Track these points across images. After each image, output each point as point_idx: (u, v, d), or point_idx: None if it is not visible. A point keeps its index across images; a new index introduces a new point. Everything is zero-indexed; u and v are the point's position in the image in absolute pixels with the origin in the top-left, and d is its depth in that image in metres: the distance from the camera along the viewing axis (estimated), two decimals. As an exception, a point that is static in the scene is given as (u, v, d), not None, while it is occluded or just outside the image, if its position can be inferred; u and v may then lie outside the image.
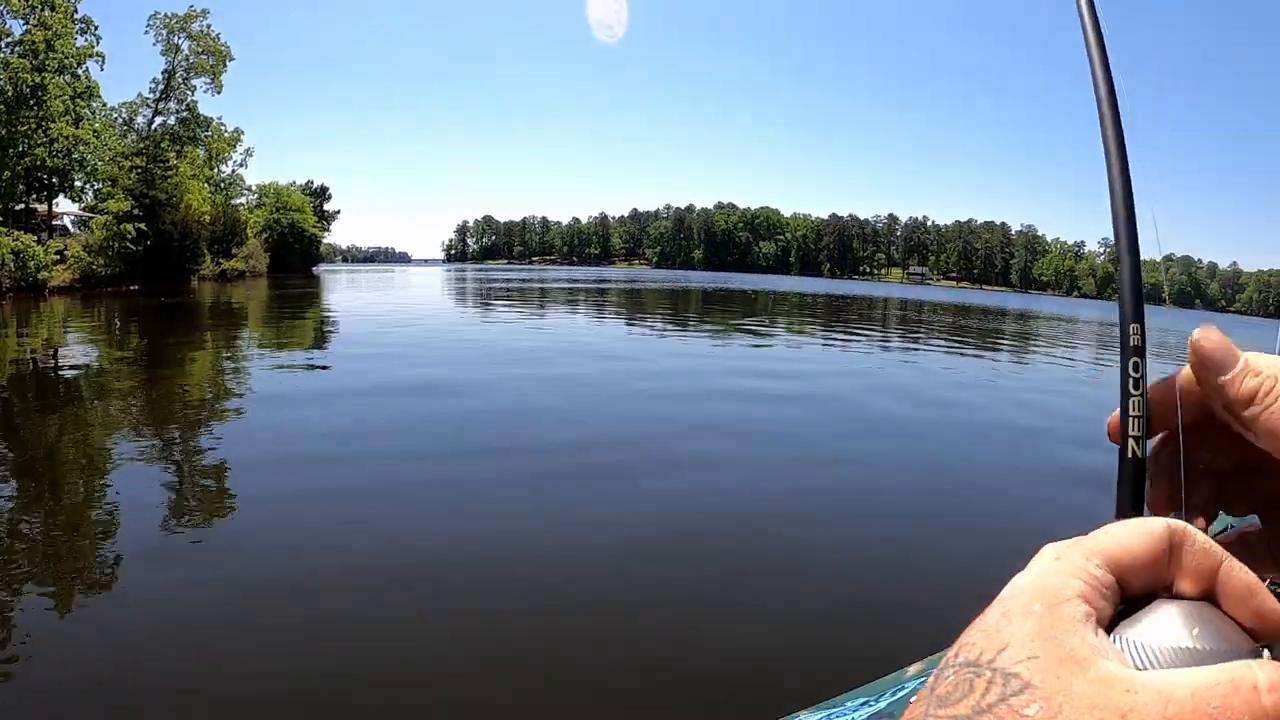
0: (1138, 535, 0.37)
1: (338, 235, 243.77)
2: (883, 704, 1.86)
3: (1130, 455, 0.45)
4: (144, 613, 4.27)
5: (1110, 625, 0.36)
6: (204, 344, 17.65)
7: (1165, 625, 0.35)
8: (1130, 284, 0.52)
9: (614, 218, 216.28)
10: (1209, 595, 0.37)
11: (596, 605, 4.59)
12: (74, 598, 4.49)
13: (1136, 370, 0.47)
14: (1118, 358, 0.44)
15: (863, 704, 1.87)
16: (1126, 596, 0.37)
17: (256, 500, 6.17)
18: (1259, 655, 0.35)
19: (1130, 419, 0.45)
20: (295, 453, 7.57)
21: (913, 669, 2.09)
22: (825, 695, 1.91)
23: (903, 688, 1.95)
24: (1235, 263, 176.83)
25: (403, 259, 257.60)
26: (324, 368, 13.99)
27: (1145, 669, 0.33)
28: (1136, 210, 0.58)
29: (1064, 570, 0.36)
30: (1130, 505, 0.45)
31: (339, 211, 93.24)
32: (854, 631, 4.43)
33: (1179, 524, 0.38)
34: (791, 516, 6.25)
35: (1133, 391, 0.47)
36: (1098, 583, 0.36)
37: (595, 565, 5.12)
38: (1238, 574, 0.37)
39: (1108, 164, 0.62)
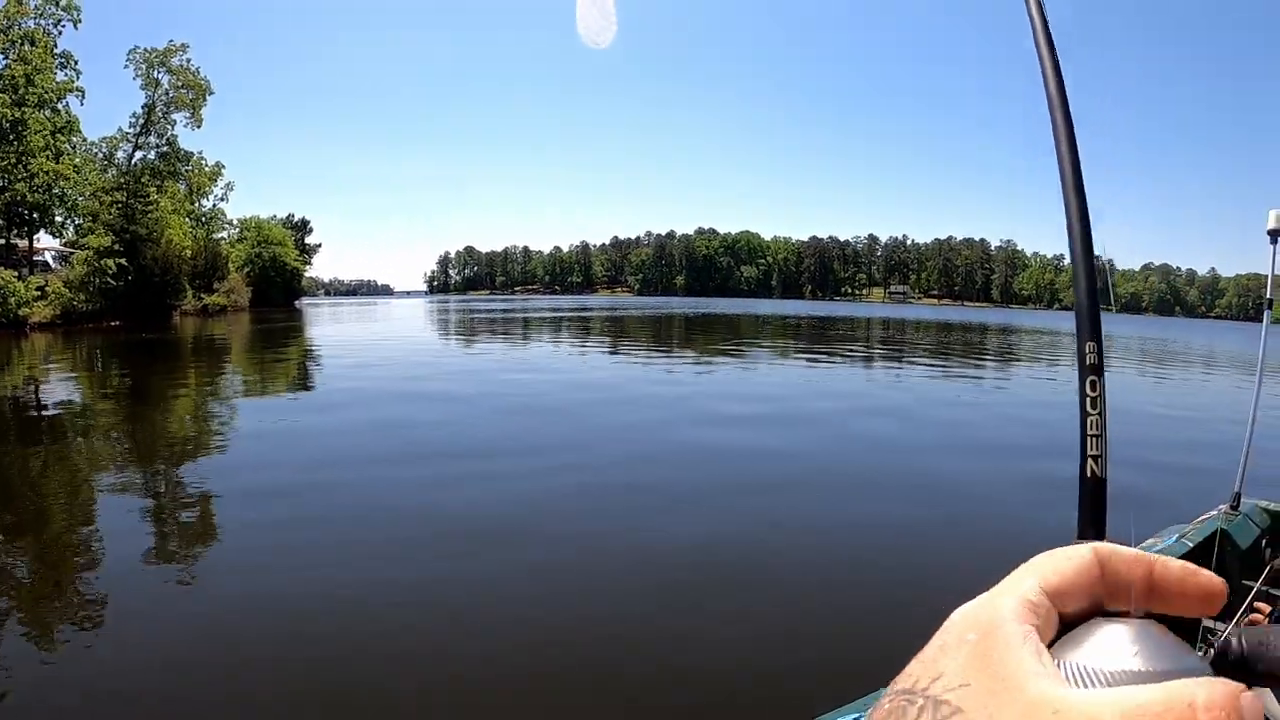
0: (1067, 560, 0.38)
1: (320, 268, 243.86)
2: None
3: (1089, 475, 0.45)
4: (127, 642, 4.28)
5: (1052, 649, 0.35)
6: (186, 381, 17.47)
7: (1102, 645, 0.35)
8: (1086, 304, 0.51)
9: (595, 246, 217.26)
10: (1151, 604, 0.36)
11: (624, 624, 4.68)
12: (55, 629, 4.49)
13: (1094, 389, 0.46)
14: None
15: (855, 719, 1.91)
16: (1066, 620, 0.37)
17: (237, 532, 6.22)
18: (1204, 672, 0.34)
19: (1089, 438, 0.45)
20: (278, 485, 7.57)
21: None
22: (817, 710, 1.92)
23: None
24: (1214, 268, 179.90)
25: (385, 291, 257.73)
26: (307, 402, 13.93)
27: (1086, 689, 0.33)
28: (1093, 232, 0.58)
29: (1001, 599, 0.36)
30: (1090, 524, 0.45)
31: (320, 245, 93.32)
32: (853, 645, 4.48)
33: (1104, 545, 0.39)
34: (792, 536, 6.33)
35: (1090, 410, 0.46)
36: (1033, 608, 0.36)
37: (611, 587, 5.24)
38: (1172, 567, 0.37)
39: (1063, 187, 0.64)
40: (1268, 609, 2.79)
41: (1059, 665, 0.34)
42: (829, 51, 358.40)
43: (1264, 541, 3.98)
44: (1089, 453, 0.46)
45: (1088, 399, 0.48)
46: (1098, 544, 0.39)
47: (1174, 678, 0.32)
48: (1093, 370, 0.50)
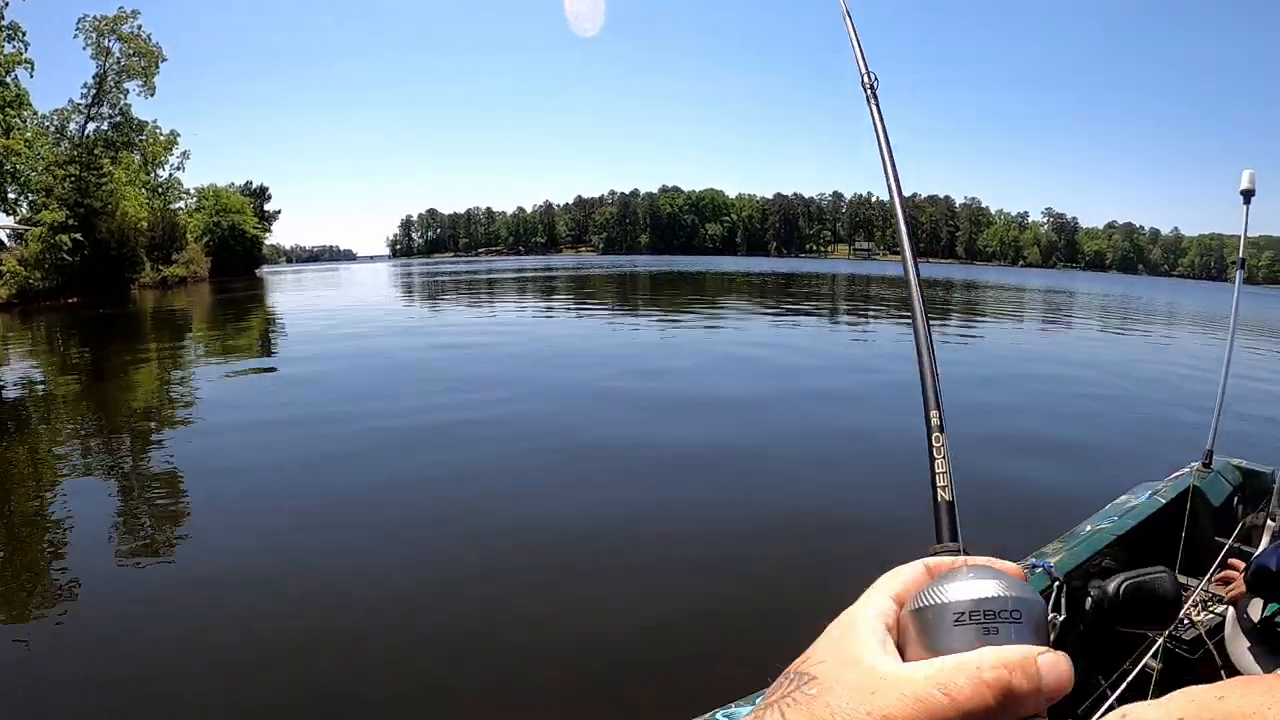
0: (907, 571, 0.51)
1: (281, 235, 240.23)
2: None
3: (940, 500, 0.57)
4: (99, 626, 4.41)
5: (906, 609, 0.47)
6: (146, 355, 17.68)
7: (944, 592, 0.46)
8: (930, 379, 0.63)
9: (559, 205, 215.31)
10: None
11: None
12: (27, 613, 4.66)
13: (939, 442, 0.59)
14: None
15: None
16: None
17: (209, 508, 6.47)
18: (1032, 597, 0.45)
19: (937, 475, 0.57)
20: (249, 459, 7.88)
21: None
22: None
23: None
24: (1177, 228, 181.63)
25: (348, 256, 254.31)
26: (270, 370, 14.44)
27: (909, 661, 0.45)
28: (931, 324, 0.69)
29: (861, 604, 0.49)
30: (949, 533, 0.57)
31: (280, 211, 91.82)
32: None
33: (932, 558, 0.52)
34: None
35: (937, 456, 0.59)
36: (881, 609, 0.48)
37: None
38: (981, 558, 0.50)
39: (905, 271, 0.77)
40: (1241, 565, 2.84)
41: (914, 606, 0.47)
42: (793, 6, 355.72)
43: (1236, 499, 4.04)
44: (938, 485, 0.57)
45: (935, 448, 0.59)
46: (929, 560, 0.52)
47: (1001, 616, 0.44)
48: (937, 429, 0.61)
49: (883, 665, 0.44)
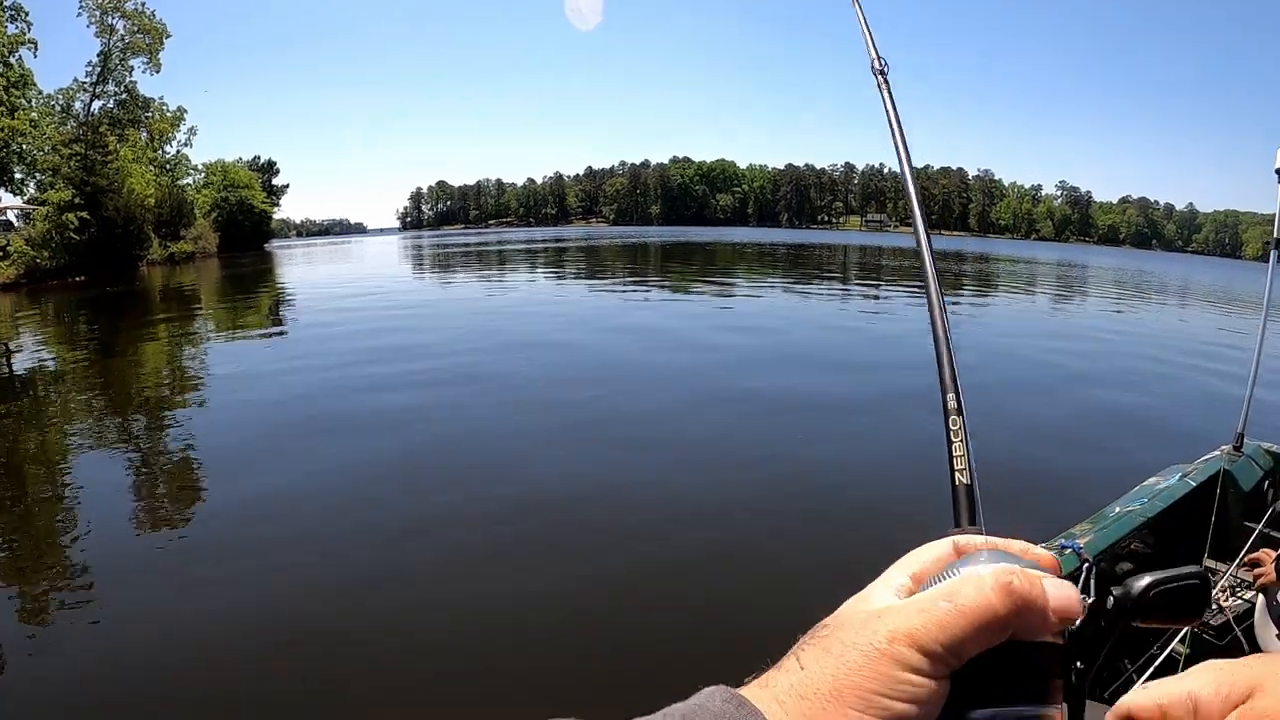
0: (930, 549, 0.52)
1: (291, 209, 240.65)
2: None
3: (958, 484, 0.58)
4: (116, 613, 4.43)
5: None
6: (154, 335, 17.62)
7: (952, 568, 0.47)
8: (947, 361, 0.63)
9: (569, 177, 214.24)
10: None
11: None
12: (46, 600, 4.66)
13: (956, 424, 0.59)
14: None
15: None
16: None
17: (225, 493, 6.40)
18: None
19: (955, 458, 0.58)
20: (263, 442, 7.83)
21: None
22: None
23: None
24: (1192, 204, 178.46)
25: (359, 230, 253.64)
26: (280, 345, 14.55)
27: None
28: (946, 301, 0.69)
29: (880, 582, 0.50)
30: (968, 517, 0.57)
31: (288, 186, 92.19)
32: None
33: (961, 535, 0.53)
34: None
35: (954, 439, 0.59)
36: (897, 584, 0.49)
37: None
38: (1011, 543, 0.51)
39: (919, 252, 0.77)
40: (1273, 553, 2.79)
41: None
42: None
43: (1266, 484, 3.98)
44: (956, 468, 0.57)
45: (951, 432, 0.59)
46: (958, 537, 0.52)
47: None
48: (955, 412, 0.61)
49: (894, 601, 0.47)
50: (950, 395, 0.61)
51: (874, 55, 1.14)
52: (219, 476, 6.81)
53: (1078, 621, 0.43)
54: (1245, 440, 4.00)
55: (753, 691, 0.43)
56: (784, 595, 4.54)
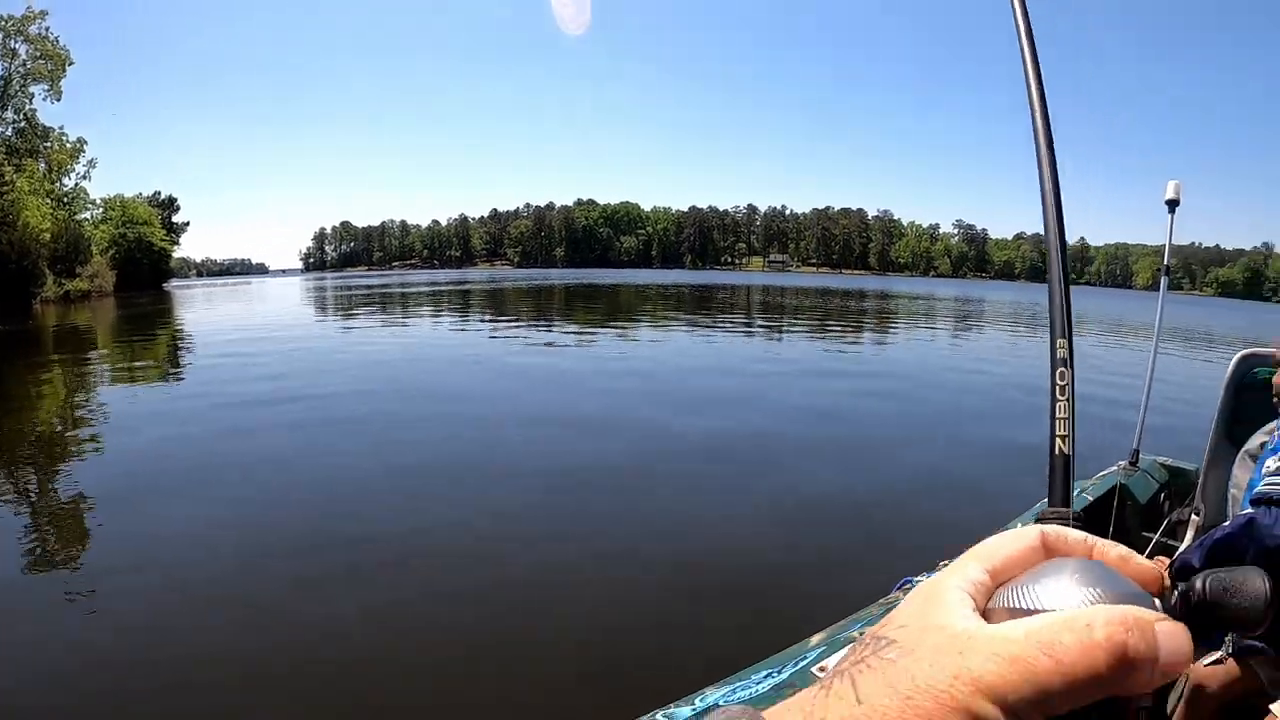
0: (1011, 539, 0.44)
1: (191, 248, 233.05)
2: (786, 674, 1.94)
3: (1057, 452, 0.54)
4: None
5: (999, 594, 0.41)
6: (48, 377, 15.99)
7: (1042, 586, 0.39)
8: (1060, 306, 0.59)
9: (474, 219, 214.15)
10: None
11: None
12: None
13: (1063, 379, 0.55)
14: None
15: (767, 675, 1.94)
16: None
17: (116, 535, 6.01)
18: (1144, 602, 0.38)
19: (1057, 421, 0.53)
20: (159, 479, 7.50)
21: (815, 639, 2.17)
22: (731, 671, 1.99)
23: (804, 658, 2.04)
24: (1083, 238, 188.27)
25: (260, 270, 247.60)
26: (178, 389, 13.51)
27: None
28: (1067, 233, 0.65)
29: (948, 573, 0.43)
30: (1060, 494, 0.55)
31: (188, 223, 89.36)
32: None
33: (1053, 528, 0.45)
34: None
35: (1059, 397, 0.54)
36: (970, 579, 0.41)
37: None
38: (1110, 552, 0.43)
39: (1041, 190, 0.72)
40: (1166, 561, 2.85)
41: (1005, 605, 0.40)
42: (708, 20, 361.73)
43: (1162, 496, 4.10)
44: (1057, 434, 0.53)
45: (1057, 387, 0.55)
46: (1047, 528, 0.45)
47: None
48: (1062, 363, 0.57)
49: (974, 626, 0.38)
50: (1060, 341, 0.54)
51: None
52: (107, 519, 6.39)
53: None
54: (1141, 455, 4.20)
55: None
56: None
